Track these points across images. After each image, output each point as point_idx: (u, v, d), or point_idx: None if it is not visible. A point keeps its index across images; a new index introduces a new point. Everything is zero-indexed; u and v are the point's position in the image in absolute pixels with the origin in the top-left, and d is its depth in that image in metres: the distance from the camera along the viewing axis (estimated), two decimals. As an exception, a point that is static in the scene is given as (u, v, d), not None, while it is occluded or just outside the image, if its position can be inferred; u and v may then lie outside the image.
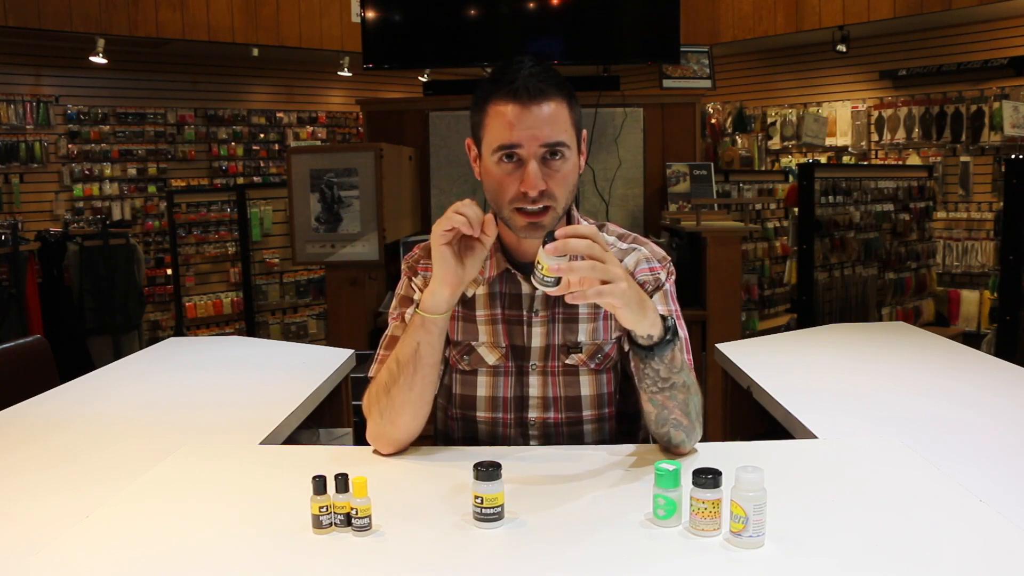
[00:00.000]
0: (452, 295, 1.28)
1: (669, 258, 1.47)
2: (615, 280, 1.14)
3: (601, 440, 1.45)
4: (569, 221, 1.42)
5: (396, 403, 1.32)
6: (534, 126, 1.26)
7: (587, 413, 1.43)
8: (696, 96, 4.15)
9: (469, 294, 1.43)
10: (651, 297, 1.41)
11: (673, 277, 1.45)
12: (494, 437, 1.45)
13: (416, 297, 1.44)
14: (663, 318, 1.24)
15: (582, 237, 1.13)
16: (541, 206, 1.29)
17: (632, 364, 1.29)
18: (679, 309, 1.44)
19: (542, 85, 1.27)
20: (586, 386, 1.42)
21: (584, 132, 1.37)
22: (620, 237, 1.47)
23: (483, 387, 1.43)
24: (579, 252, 1.13)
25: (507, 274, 1.42)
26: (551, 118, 1.27)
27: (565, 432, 1.44)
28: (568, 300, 1.16)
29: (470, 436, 1.46)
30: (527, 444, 1.44)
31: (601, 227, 1.48)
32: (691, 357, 1.40)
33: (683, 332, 1.41)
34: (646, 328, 1.20)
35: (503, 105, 1.27)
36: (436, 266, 1.26)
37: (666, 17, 3.85)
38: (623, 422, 1.47)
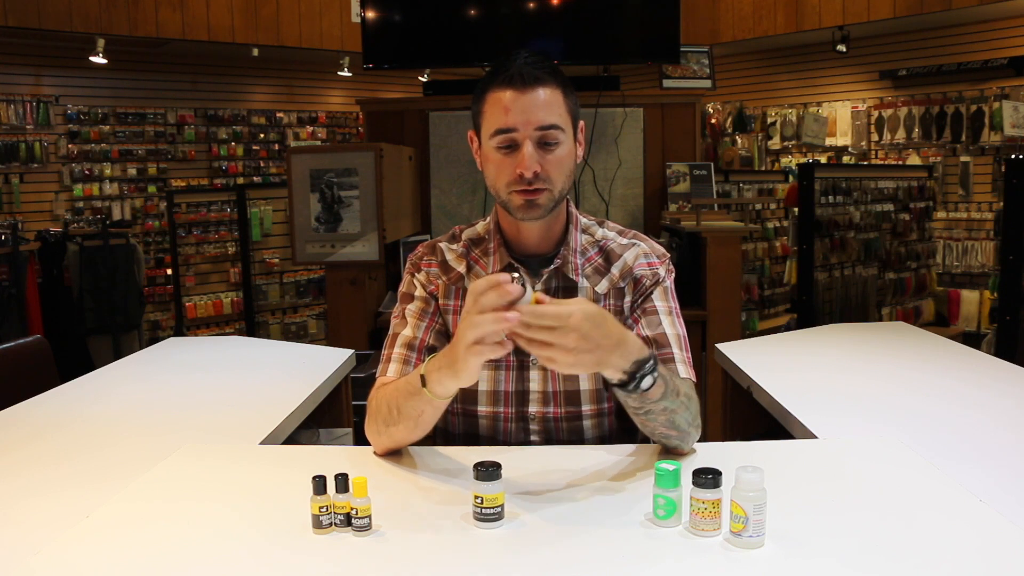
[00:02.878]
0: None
1: (668, 255, 1.48)
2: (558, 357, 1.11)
3: (601, 436, 1.45)
4: (568, 217, 1.44)
5: (396, 438, 1.34)
6: (529, 110, 1.30)
7: (586, 408, 1.43)
8: (696, 96, 4.15)
9: None
10: (650, 293, 1.42)
11: (672, 274, 1.46)
12: (495, 432, 1.45)
13: (417, 294, 1.45)
14: (644, 361, 1.19)
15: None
16: (536, 187, 1.32)
17: None
18: (678, 306, 1.45)
19: (537, 72, 1.31)
20: (585, 380, 1.42)
21: (582, 123, 1.41)
22: (620, 233, 1.49)
23: (485, 381, 1.43)
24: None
25: (509, 269, 1.43)
26: (545, 103, 1.31)
27: (565, 427, 1.44)
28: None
29: (471, 431, 1.46)
30: (527, 439, 1.44)
31: (600, 224, 1.49)
32: (690, 355, 1.42)
33: (681, 330, 1.43)
34: (608, 374, 1.20)
35: (500, 92, 1.32)
36: (462, 372, 1.17)
37: (666, 17, 3.85)
38: (624, 418, 1.46)
